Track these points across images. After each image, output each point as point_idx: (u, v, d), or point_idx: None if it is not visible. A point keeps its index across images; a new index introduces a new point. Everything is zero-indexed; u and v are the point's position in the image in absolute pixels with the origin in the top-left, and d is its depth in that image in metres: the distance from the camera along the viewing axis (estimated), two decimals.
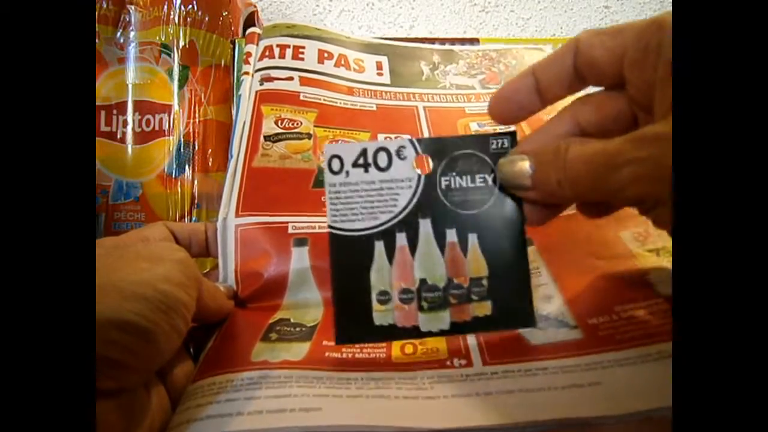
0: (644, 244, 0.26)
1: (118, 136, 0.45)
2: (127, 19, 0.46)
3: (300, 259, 0.27)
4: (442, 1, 0.68)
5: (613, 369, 0.19)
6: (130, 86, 0.45)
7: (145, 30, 0.46)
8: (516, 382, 0.20)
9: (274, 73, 0.38)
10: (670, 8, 0.17)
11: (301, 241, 0.28)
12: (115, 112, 0.45)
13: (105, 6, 0.46)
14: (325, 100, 0.37)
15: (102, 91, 0.45)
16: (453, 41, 0.53)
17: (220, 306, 0.25)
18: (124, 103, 0.45)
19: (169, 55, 0.45)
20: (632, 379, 0.19)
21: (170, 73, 0.45)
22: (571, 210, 0.24)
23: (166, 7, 0.45)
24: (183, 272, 0.20)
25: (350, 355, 0.22)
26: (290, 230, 0.28)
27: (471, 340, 0.23)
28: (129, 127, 0.45)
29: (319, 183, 0.31)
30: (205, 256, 0.30)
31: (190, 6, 0.46)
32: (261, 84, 0.37)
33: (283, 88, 0.37)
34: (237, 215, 0.29)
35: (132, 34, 0.46)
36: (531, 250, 0.27)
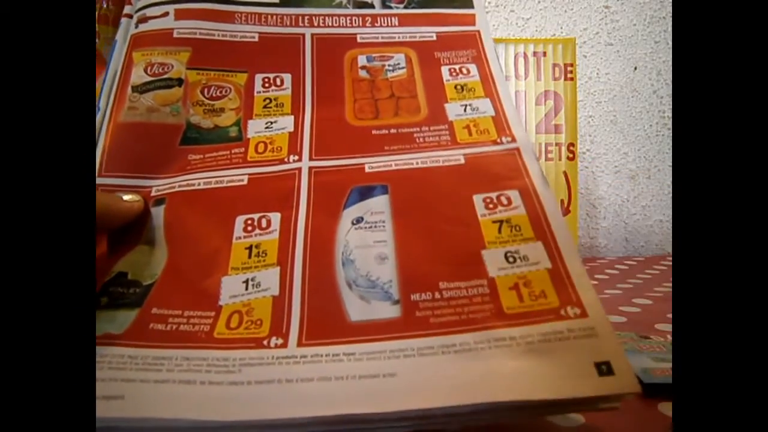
0: (492, 212, 0.24)
1: None
2: None
3: (156, 217, 0.26)
4: None
5: (414, 359, 0.18)
6: None
7: None
8: (320, 369, 0.18)
9: (149, 12, 0.32)
10: (670, 9, 0.17)
11: (159, 202, 0.26)
12: None
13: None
14: (200, 33, 0.32)
15: None
16: None
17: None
18: None
19: None
20: (424, 372, 0.18)
21: None
22: (435, 163, 0.22)
23: None
24: None
25: (175, 327, 0.21)
26: (153, 193, 0.27)
27: (295, 313, 0.21)
28: None
29: (188, 140, 0.29)
30: None
31: None
32: (136, 27, 0.32)
33: (156, 28, 0.31)
34: (99, 175, 0.27)
35: None
36: (382, 200, 0.24)
